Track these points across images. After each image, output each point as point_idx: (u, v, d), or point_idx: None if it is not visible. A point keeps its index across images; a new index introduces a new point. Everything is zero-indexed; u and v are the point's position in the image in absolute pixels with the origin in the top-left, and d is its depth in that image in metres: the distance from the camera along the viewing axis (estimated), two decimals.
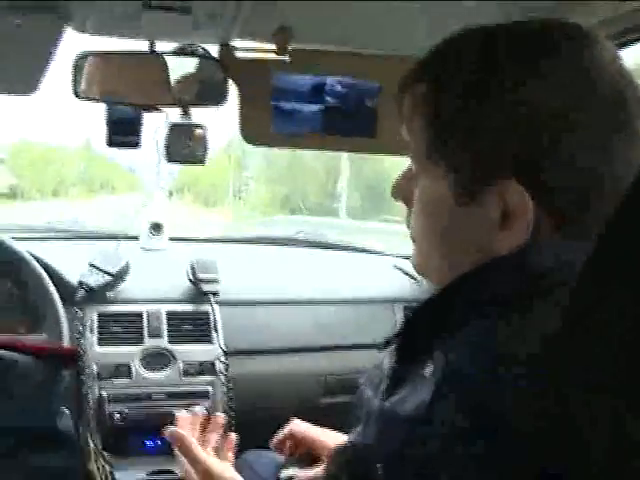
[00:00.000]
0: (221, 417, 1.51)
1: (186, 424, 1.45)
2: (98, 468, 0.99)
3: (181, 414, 1.49)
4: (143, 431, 2.03)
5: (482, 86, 0.81)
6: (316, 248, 2.93)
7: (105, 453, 1.15)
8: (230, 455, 1.44)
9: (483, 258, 0.82)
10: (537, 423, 0.61)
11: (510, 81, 0.79)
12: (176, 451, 1.37)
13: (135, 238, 2.56)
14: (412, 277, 2.64)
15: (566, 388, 0.58)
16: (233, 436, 1.48)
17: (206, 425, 1.50)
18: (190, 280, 2.26)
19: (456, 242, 0.86)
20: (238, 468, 1.64)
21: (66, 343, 1.94)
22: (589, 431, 0.55)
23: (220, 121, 1.74)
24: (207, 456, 1.34)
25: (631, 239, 0.54)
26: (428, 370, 0.76)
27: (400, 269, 2.71)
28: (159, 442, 2.00)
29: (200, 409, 1.52)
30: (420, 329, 0.85)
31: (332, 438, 1.43)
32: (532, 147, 0.78)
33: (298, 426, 1.51)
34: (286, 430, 1.50)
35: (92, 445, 1.04)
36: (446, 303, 0.84)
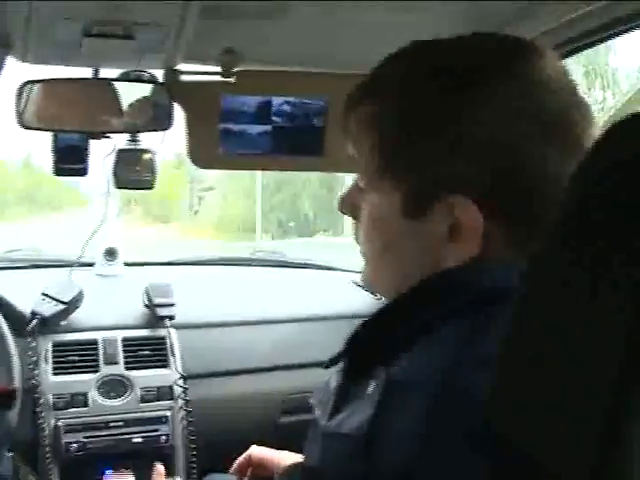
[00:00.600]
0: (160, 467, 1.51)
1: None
2: None
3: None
4: (102, 460, 2.01)
5: (424, 114, 0.81)
6: (273, 267, 2.92)
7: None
8: None
9: (432, 272, 0.82)
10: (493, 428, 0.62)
11: (453, 109, 0.79)
12: None
13: (90, 265, 2.53)
14: (371, 292, 2.65)
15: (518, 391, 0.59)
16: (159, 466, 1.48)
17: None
18: (146, 305, 2.25)
19: (405, 256, 0.86)
20: None
21: (16, 379, 1.91)
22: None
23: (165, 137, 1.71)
24: None
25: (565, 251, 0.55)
26: (371, 387, 0.76)
27: (359, 285, 2.71)
28: (118, 470, 1.98)
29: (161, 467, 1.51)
30: (364, 346, 0.84)
31: (290, 459, 1.43)
32: (478, 166, 0.78)
33: (257, 451, 1.50)
34: (245, 455, 1.49)
35: None
36: (391, 320, 0.83)
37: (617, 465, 0.51)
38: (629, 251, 0.51)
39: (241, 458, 1.50)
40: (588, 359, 0.53)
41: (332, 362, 0.90)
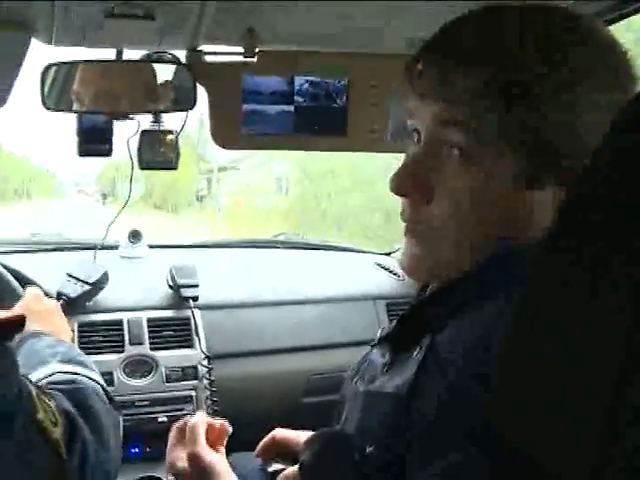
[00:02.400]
0: (227, 426, 1.48)
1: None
2: (45, 411, 0.98)
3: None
4: (127, 438, 2.01)
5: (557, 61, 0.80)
6: (296, 249, 2.93)
7: (43, 394, 1.13)
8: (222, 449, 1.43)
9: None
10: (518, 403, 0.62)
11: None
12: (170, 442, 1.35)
13: (115, 247, 2.55)
14: (394, 273, 2.65)
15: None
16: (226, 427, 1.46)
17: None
18: (170, 286, 2.26)
19: (498, 229, 0.84)
20: None
21: None
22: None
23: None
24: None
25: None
26: (416, 352, 0.78)
27: (381, 266, 2.72)
28: (143, 449, 2.00)
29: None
30: (414, 323, 0.85)
31: None
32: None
33: (280, 433, 1.51)
34: (268, 437, 1.50)
35: (32, 389, 1.02)
36: (446, 298, 0.84)
37: (617, 465, 0.51)
38: (629, 251, 0.51)
39: (265, 440, 1.50)
40: (588, 359, 0.53)
41: (381, 340, 0.90)
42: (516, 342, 0.61)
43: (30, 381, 1.02)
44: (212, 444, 1.37)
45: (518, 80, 0.80)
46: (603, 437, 0.51)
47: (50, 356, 1.28)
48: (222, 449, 1.41)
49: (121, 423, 1.30)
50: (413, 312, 0.88)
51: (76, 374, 1.23)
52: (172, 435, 1.34)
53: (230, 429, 1.42)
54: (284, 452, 1.48)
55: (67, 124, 1.69)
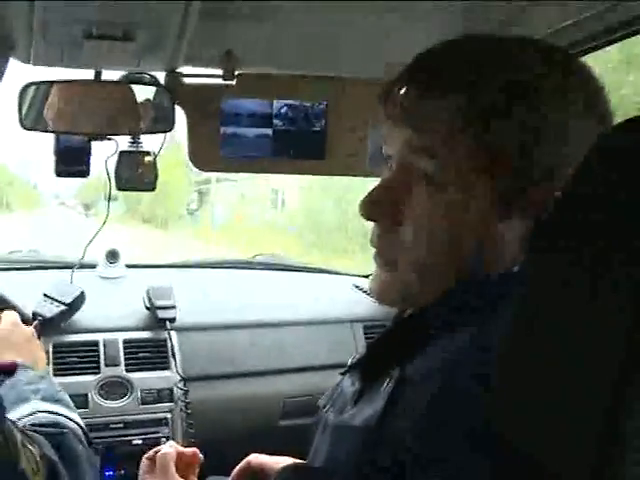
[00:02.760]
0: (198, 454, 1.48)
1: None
2: (28, 460, 0.97)
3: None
4: (101, 461, 2.01)
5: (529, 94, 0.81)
6: (273, 270, 2.93)
7: (27, 441, 1.13)
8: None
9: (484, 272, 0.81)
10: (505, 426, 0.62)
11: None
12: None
13: (92, 266, 2.54)
14: (371, 295, 2.65)
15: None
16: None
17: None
18: (147, 307, 2.25)
19: (468, 257, 0.83)
20: None
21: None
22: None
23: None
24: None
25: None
26: (385, 384, 0.77)
27: (359, 288, 2.72)
28: (117, 472, 1.98)
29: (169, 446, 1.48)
30: (383, 352, 0.85)
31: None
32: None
33: (256, 458, 1.50)
34: (244, 462, 1.49)
35: (18, 436, 1.01)
36: (415, 326, 0.83)
37: (617, 465, 0.51)
38: (629, 251, 0.51)
39: (240, 465, 1.49)
40: (588, 359, 0.53)
41: (351, 367, 0.90)
42: (516, 342, 0.61)
43: (16, 426, 1.01)
44: (183, 473, 1.36)
45: (491, 108, 0.80)
46: (603, 437, 0.52)
47: (31, 393, 1.27)
48: (194, 478, 1.41)
49: (98, 462, 1.29)
50: (381, 341, 0.87)
51: (58, 414, 1.23)
52: (143, 466, 1.34)
53: (202, 457, 1.42)
54: (259, 477, 1.47)
55: (47, 138, 1.68)
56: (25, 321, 2.04)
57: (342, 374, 0.93)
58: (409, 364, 0.77)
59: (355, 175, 1.76)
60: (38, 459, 1.01)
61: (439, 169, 0.82)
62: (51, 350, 2.07)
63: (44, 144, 1.71)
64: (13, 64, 1.45)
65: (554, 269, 0.58)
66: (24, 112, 1.57)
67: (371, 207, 0.88)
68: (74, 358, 2.10)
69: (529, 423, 0.59)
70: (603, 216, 0.54)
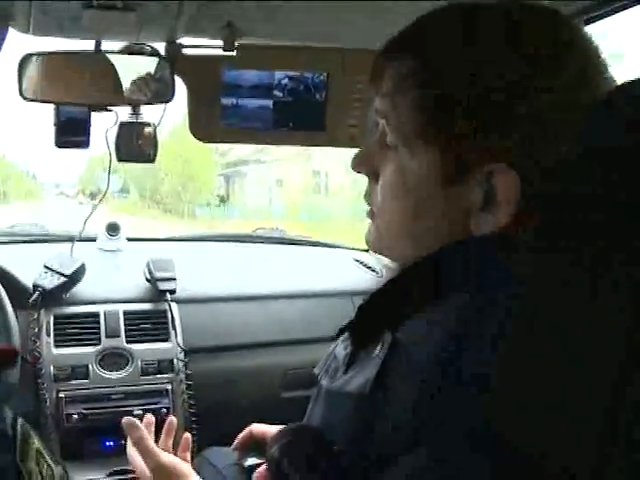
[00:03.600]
0: (173, 421, 1.50)
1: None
2: (40, 468, 0.98)
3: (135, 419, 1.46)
4: (102, 432, 2.02)
5: (487, 66, 0.78)
6: (274, 244, 2.93)
7: (48, 455, 1.14)
8: (188, 456, 1.44)
9: (453, 239, 0.81)
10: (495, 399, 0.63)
11: (517, 67, 0.77)
12: (128, 443, 1.37)
13: (93, 240, 2.54)
14: (372, 269, 2.66)
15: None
16: (188, 435, 1.47)
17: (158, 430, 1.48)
18: (147, 279, 2.26)
19: (433, 222, 0.84)
20: (199, 465, 1.64)
21: (15, 341, 1.92)
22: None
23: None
24: (159, 450, 1.34)
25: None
26: (377, 349, 0.77)
27: (359, 262, 2.72)
28: (118, 442, 1.99)
29: (150, 416, 1.50)
30: (373, 315, 0.85)
31: None
32: (535, 137, 0.76)
33: (257, 427, 1.50)
34: (246, 432, 1.50)
35: (35, 445, 1.03)
36: (402, 287, 0.84)
37: (617, 465, 0.52)
38: (629, 251, 0.51)
39: (242, 434, 1.50)
40: (588, 359, 0.54)
41: (342, 331, 0.90)
42: (516, 342, 0.61)
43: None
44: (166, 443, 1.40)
45: (436, 79, 0.80)
46: (603, 437, 0.52)
47: None
48: (187, 455, 1.42)
49: None
50: (371, 304, 0.87)
51: None
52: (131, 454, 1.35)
53: (189, 439, 1.44)
54: (261, 447, 1.48)
55: (46, 121, 1.68)
56: (25, 293, 2.06)
57: (334, 338, 0.93)
58: (401, 328, 0.76)
59: (356, 147, 1.76)
60: (56, 476, 1.01)
61: (390, 132, 0.85)
62: (52, 321, 2.08)
63: (43, 133, 1.70)
64: (13, 34, 1.45)
65: (554, 269, 0.58)
66: (24, 83, 1.57)
67: (355, 163, 0.93)
68: (75, 329, 2.11)
69: (529, 423, 0.59)
70: (603, 216, 0.54)
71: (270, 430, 1.47)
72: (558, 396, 0.56)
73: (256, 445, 1.49)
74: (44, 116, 1.66)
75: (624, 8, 1.39)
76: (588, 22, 1.42)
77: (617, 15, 1.42)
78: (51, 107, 1.65)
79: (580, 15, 1.39)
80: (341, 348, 0.89)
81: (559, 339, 0.56)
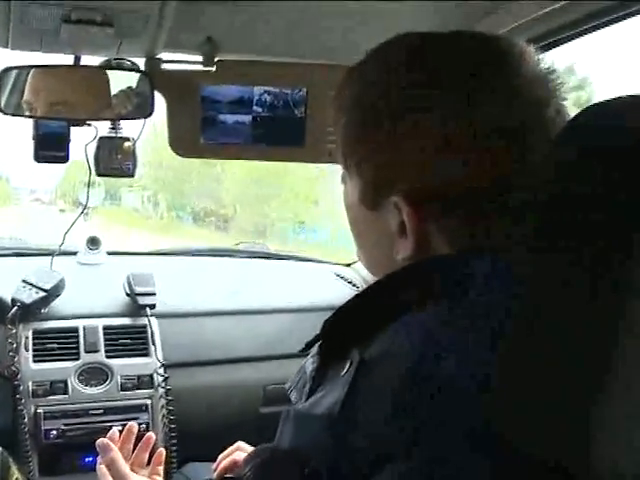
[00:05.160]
0: (151, 436, 1.49)
1: (117, 439, 1.43)
2: None
3: (115, 430, 1.47)
4: (81, 448, 2.01)
5: (382, 105, 0.81)
6: (256, 258, 2.92)
7: (16, 470, 1.13)
8: (160, 470, 1.43)
9: (389, 263, 0.83)
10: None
11: (409, 105, 0.79)
12: (99, 463, 1.36)
13: (73, 253, 2.53)
14: (352, 284, 2.66)
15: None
16: (162, 451, 1.47)
17: (136, 444, 1.48)
18: (127, 294, 2.25)
19: (368, 243, 0.89)
20: None
21: None
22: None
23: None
24: (131, 473, 1.33)
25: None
26: (345, 369, 0.76)
27: (341, 277, 2.72)
28: (97, 458, 1.98)
29: (134, 424, 1.50)
30: (340, 330, 0.85)
31: None
32: (419, 169, 0.78)
33: (242, 450, 1.50)
34: (229, 460, 1.50)
35: (13, 471, 1.02)
36: (368, 303, 0.84)
37: (617, 465, 0.52)
38: (629, 251, 0.51)
39: (225, 462, 1.50)
40: (588, 359, 0.54)
41: (309, 345, 0.90)
42: (516, 342, 0.61)
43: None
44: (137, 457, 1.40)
45: (368, 103, 0.83)
46: (603, 437, 0.52)
47: None
48: (160, 469, 1.43)
49: None
50: (338, 318, 0.87)
51: None
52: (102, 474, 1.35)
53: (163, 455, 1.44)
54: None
55: (21, 128, 1.67)
56: (4, 308, 2.04)
57: (301, 352, 0.93)
58: (369, 346, 0.76)
59: (335, 162, 1.76)
60: None
61: (338, 156, 0.90)
62: (31, 336, 2.07)
63: (16, 134, 1.69)
64: None
65: (554, 269, 0.58)
66: (4, 97, 1.56)
67: (342, 180, 0.95)
68: (54, 344, 2.10)
69: (529, 423, 0.59)
70: (603, 216, 0.54)
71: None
72: (558, 396, 0.56)
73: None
74: (19, 121, 1.64)
75: (580, 35, 1.41)
76: (546, 48, 1.44)
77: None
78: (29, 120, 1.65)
79: (538, 41, 1.40)
80: (309, 362, 0.89)
81: (559, 339, 0.56)
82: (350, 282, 2.68)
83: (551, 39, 1.42)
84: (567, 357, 0.55)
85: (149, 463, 1.46)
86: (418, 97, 0.79)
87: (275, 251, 3.14)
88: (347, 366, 0.76)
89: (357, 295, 0.85)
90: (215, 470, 1.52)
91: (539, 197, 0.61)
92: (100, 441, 1.37)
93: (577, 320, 0.55)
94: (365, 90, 0.85)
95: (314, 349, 0.90)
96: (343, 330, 0.84)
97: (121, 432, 1.48)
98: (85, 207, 2.14)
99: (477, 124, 0.76)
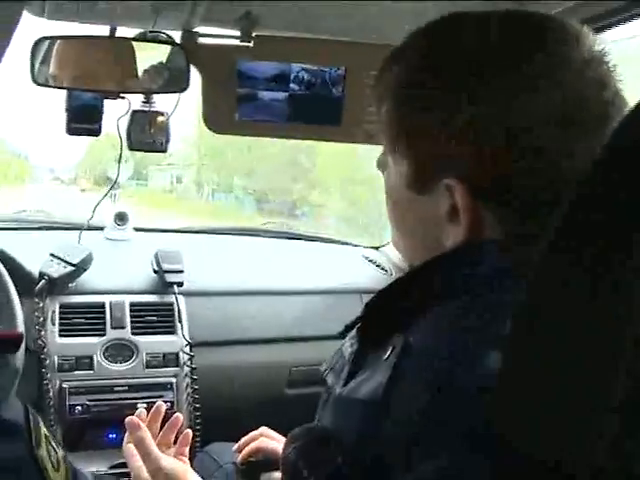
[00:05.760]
0: (179, 417, 1.49)
1: (144, 418, 1.43)
2: (49, 454, 0.99)
3: (142, 409, 1.46)
4: (105, 424, 2.01)
5: (432, 89, 0.81)
6: (283, 239, 2.91)
7: (53, 441, 1.14)
8: (186, 451, 1.43)
9: (435, 248, 0.83)
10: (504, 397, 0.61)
11: (457, 89, 0.79)
12: (126, 441, 1.36)
13: (100, 228, 2.52)
14: (381, 268, 2.64)
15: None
16: (189, 432, 1.46)
17: (164, 424, 1.48)
18: (154, 271, 2.24)
19: (411, 228, 0.89)
20: (201, 461, 1.63)
21: (19, 325, 1.90)
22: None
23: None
24: (160, 453, 1.33)
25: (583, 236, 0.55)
26: (387, 353, 0.76)
27: (369, 260, 2.70)
28: (121, 435, 1.97)
29: (162, 404, 1.49)
30: (381, 314, 0.84)
31: None
32: (472, 148, 0.78)
33: (267, 433, 1.50)
34: (252, 435, 1.49)
35: (43, 431, 1.03)
36: (404, 290, 0.84)
37: (618, 465, 0.51)
38: (629, 251, 0.50)
39: (248, 448, 1.49)
40: (588, 359, 0.53)
41: (348, 329, 0.90)
42: (516, 342, 0.60)
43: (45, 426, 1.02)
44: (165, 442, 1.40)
45: (414, 84, 0.84)
46: (603, 437, 0.51)
47: None
48: (186, 450, 1.43)
49: None
50: (379, 302, 0.86)
51: None
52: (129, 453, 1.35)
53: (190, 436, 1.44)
54: (266, 452, 1.47)
55: (45, 103, 1.65)
56: (31, 281, 2.04)
57: (340, 335, 0.92)
58: (411, 333, 0.76)
59: (372, 143, 1.74)
60: (60, 459, 1.01)
61: (383, 141, 0.90)
62: (57, 310, 2.07)
63: (37, 111, 1.67)
64: (27, 17, 1.43)
65: (554, 269, 0.57)
66: (36, 67, 1.54)
67: (377, 164, 0.97)
68: (80, 319, 2.09)
69: (529, 423, 0.58)
70: (603, 216, 0.53)
71: (277, 440, 1.47)
72: (558, 396, 0.55)
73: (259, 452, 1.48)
74: (43, 97, 1.62)
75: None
76: (600, 30, 1.40)
77: None
78: (58, 92, 1.63)
79: (593, 22, 1.36)
80: (347, 345, 0.88)
81: (559, 339, 0.55)
82: (379, 265, 2.66)
83: (602, 22, 1.38)
84: (567, 357, 0.54)
85: (175, 442, 1.46)
86: (468, 81, 0.78)
87: (302, 232, 3.12)
88: (390, 350, 0.76)
89: (400, 278, 0.85)
90: (238, 452, 1.52)
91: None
92: (129, 419, 1.37)
93: (577, 320, 0.54)
94: (412, 73, 0.84)
95: (352, 332, 0.89)
96: (385, 314, 0.84)
97: (148, 410, 1.47)
98: (115, 182, 2.13)
99: (533, 111, 0.76)
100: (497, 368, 0.62)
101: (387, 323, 0.81)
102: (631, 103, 0.77)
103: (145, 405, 1.96)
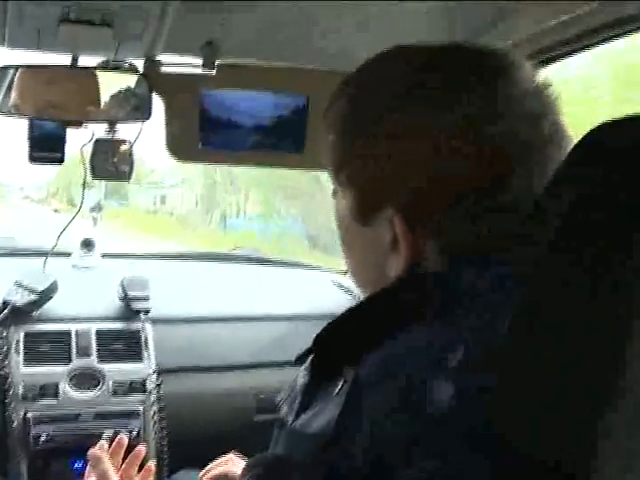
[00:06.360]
0: (141, 450, 1.47)
1: (107, 450, 1.42)
2: None
3: (103, 441, 1.45)
4: (71, 453, 1.99)
5: (369, 121, 0.82)
6: (252, 264, 2.90)
7: None
8: None
9: (382, 279, 0.82)
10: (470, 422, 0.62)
11: (395, 122, 0.79)
12: (87, 474, 1.35)
13: (67, 254, 2.51)
14: (350, 292, 2.64)
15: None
16: (151, 465, 1.45)
17: (126, 457, 1.47)
18: (121, 298, 2.22)
19: (360, 258, 0.89)
20: None
21: None
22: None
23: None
24: None
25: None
26: (338, 387, 0.75)
27: (338, 285, 2.70)
28: (87, 464, 1.96)
29: (124, 437, 1.48)
30: (333, 345, 0.83)
31: None
32: (404, 181, 0.78)
33: (233, 462, 1.49)
34: (219, 470, 1.48)
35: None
36: (359, 319, 0.83)
37: (617, 465, 0.52)
38: (629, 251, 0.51)
39: (215, 464, 1.48)
40: (588, 359, 0.53)
41: (300, 359, 0.89)
42: (516, 342, 0.61)
43: None
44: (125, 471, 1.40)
45: (359, 117, 0.83)
46: (603, 437, 0.52)
47: None
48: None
49: None
50: (330, 332, 0.86)
51: None
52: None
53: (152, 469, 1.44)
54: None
55: (13, 124, 1.65)
56: None
57: (296, 364, 0.92)
58: (362, 366, 0.75)
59: None
60: None
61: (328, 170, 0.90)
62: (22, 339, 2.05)
63: (5, 130, 1.67)
64: None
65: (554, 269, 0.58)
66: (0, 96, 1.54)
67: (332, 195, 0.95)
68: (45, 348, 2.07)
69: (529, 423, 0.59)
70: (603, 216, 0.54)
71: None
72: (558, 396, 0.56)
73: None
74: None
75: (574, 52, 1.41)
76: (545, 63, 1.43)
77: None
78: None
79: (536, 56, 1.39)
80: (300, 376, 0.88)
81: (559, 339, 0.56)
82: (347, 290, 2.66)
83: (550, 54, 1.41)
84: (567, 358, 0.55)
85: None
86: (409, 110, 0.79)
87: (271, 257, 3.12)
88: (340, 384, 0.75)
89: (349, 310, 0.85)
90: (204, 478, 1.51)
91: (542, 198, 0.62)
92: (91, 452, 1.35)
93: (577, 320, 0.55)
94: (354, 105, 0.85)
95: (307, 362, 0.89)
96: (335, 346, 0.83)
97: (112, 440, 1.46)
98: (79, 208, 2.12)
99: (472, 127, 0.76)
100: (446, 399, 0.63)
101: (338, 354, 0.80)
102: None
103: (110, 435, 1.96)
